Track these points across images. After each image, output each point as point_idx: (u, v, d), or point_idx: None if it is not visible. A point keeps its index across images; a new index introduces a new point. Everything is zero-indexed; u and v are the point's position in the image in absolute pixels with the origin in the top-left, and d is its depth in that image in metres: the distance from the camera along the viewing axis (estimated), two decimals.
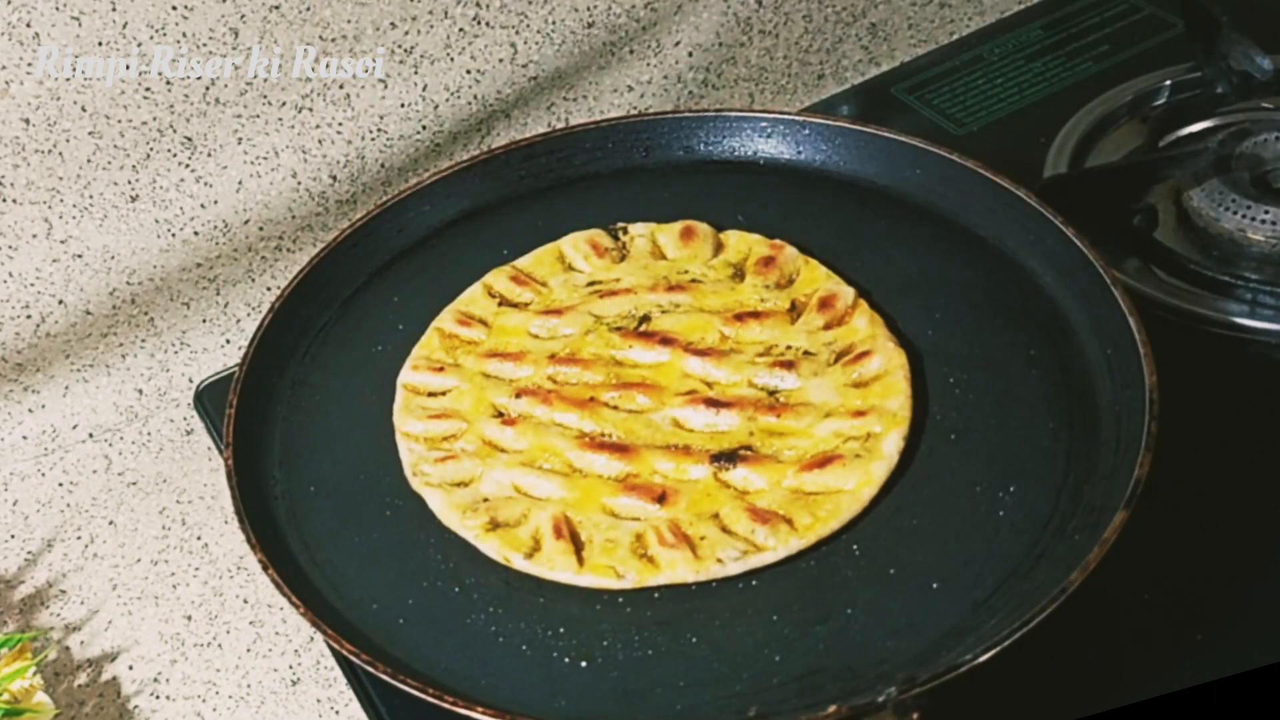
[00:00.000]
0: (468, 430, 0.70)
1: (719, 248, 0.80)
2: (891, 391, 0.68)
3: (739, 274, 0.78)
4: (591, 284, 0.78)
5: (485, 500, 0.67)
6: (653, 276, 0.77)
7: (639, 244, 0.80)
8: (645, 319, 0.75)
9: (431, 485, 0.68)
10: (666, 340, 0.73)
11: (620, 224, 0.82)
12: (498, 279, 0.79)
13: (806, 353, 0.72)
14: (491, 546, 0.64)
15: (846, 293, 0.74)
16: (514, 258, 0.81)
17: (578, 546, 0.64)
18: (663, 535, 0.63)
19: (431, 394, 0.73)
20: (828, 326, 0.73)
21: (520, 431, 0.69)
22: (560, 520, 0.65)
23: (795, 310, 0.75)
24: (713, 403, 0.69)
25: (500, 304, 0.78)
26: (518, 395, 0.71)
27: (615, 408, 0.70)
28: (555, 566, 0.63)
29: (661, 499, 0.65)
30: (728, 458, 0.66)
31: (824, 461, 0.65)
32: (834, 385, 0.70)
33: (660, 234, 0.81)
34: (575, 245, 0.81)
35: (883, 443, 0.66)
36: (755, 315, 0.74)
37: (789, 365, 0.71)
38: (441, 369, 0.74)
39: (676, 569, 0.62)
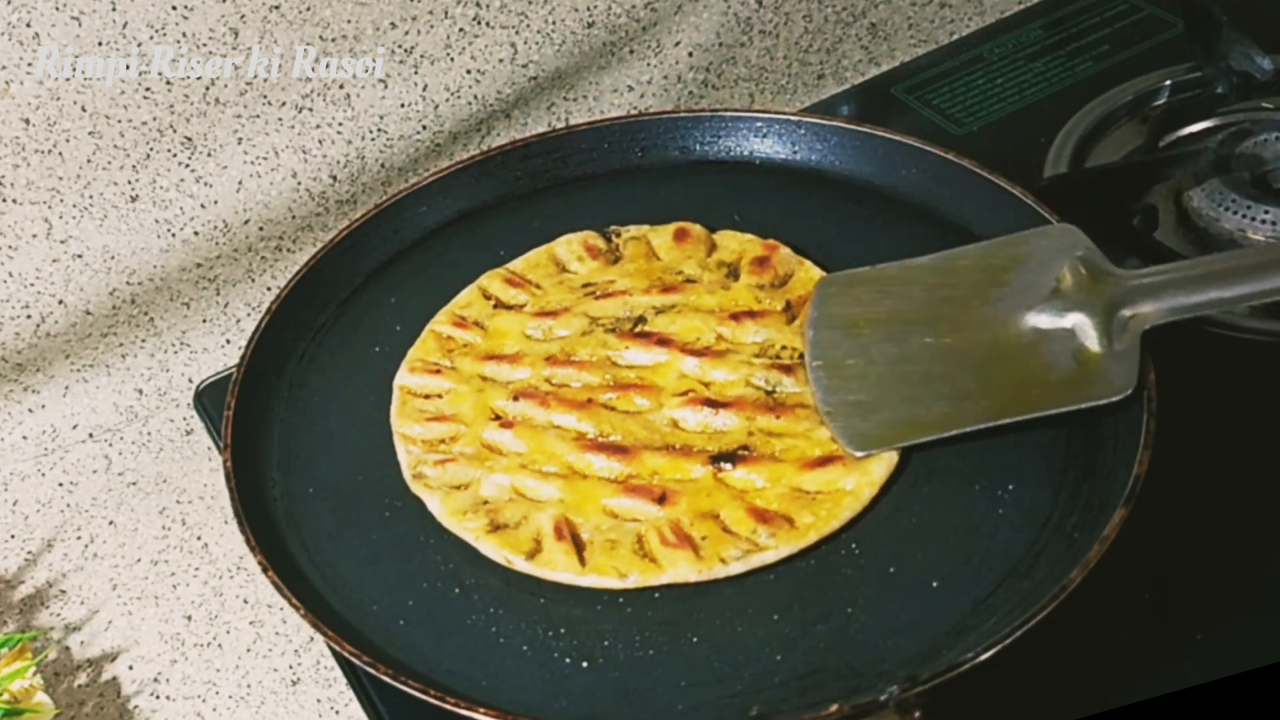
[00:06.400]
0: (466, 433, 0.70)
1: (712, 248, 0.80)
2: None
3: (733, 274, 0.77)
4: (586, 285, 0.78)
5: (485, 502, 0.67)
6: (647, 278, 0.77)
7: (632, 246, 0.80)
8: (641, 320, 0.75)
9: (431, 488, 0.68)
10: (663, 341, 0.73)
11: (613, 226, 0.82)
12: (492, 281, 0.79)
13: (803, 355, 0.72)
14: (492, 547, 0.64)
15: None
16: (510, 258, 0.81)
17: (579, 547, 0.64)
18: (664, 535, 0.63)
19: (428, 396, 0.73)
20: None
21: (519, 434, 0.69)
22: (561, 521, 0.65)
23: (790, 310, 0.75)
24: (711, 403, 0.69)
25: (495, 306, 0.78)
26: (515, 398, 0.71)
27: (613, 409, 0.70)
28: (557, 567, 0.63)
29: (662, 499, 0.65)
30: (727, 458, 0.66)
31: (823, 461, 0.65)
32: None
33: (653, 236, 0.81)
34: (569, 247, 0.81)
35: None
36: (751, 314, 0.74)
37: (787, 369, 0.71)
38: (438, 371, 0.74)
39: (679, 568, 0.62)
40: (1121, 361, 0.64)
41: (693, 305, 0.75)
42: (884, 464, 0.65)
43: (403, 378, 0.74)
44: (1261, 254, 0.65)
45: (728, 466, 0.66)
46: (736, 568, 0.62)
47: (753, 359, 0.71)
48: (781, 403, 0.69)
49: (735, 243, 0.79)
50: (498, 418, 0.71)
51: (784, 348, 0.72)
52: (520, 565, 0.63)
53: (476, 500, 0.67)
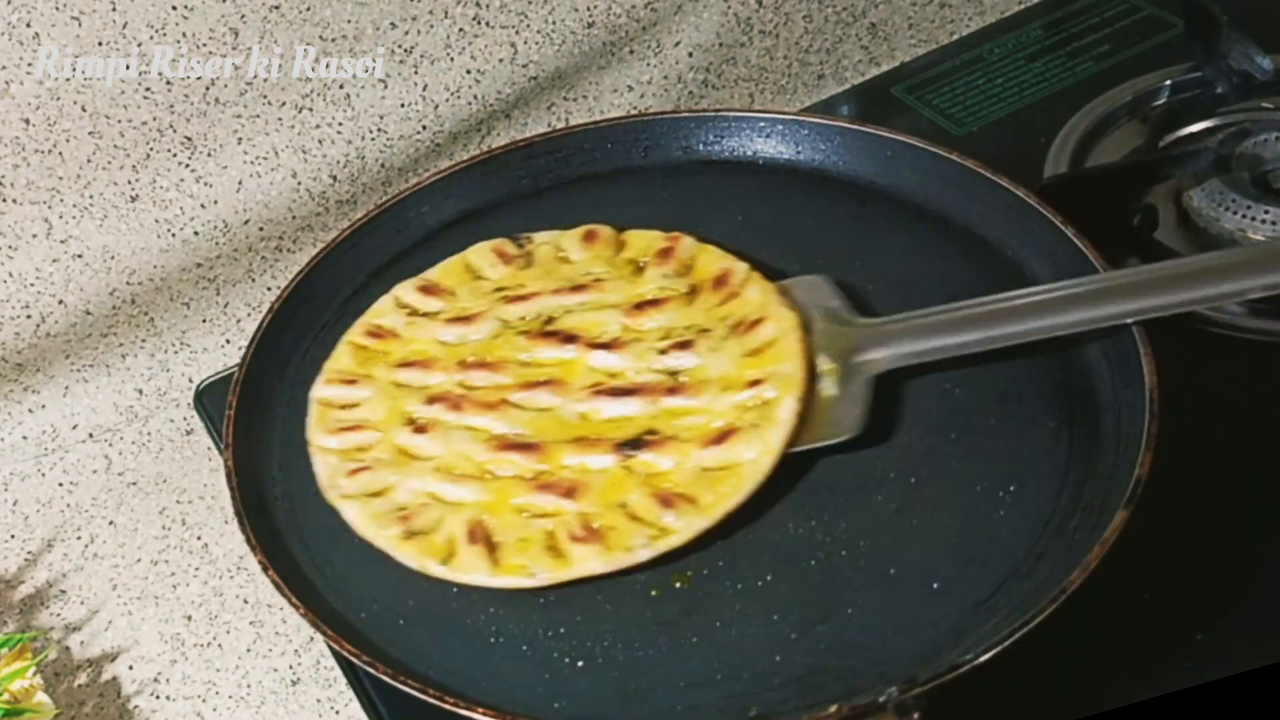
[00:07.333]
0: (381, 440, 0.70)
1: (621, 247, 0.79)
2: (784, 355, 0.68)
3: (640, 269, 0.77)
4: (498, 290, 0.77)
5: (401, 509, 0.66)
6: (557, 279, 0.77)
7: (544, 250, 0.80)
8: (550, 319, 0.74)
9: (348, 498, 0.67)
10: (570, 338, 0.72)
11: (525, 234, 0.81)
12: (406, 290, 0.78)
13: (703, 330, 0.71)
14: (408, 555, 0.64)
15: (739, 268, 0.74)
16: None
17: (492, 548, 0.63)
18: (573, 530, 0.63)
19: (345, 406, 0.73)
20: (723, 302, 0.73)
21: (433, 438, 0.69)
22: (474, 524, 0.64)
23: (693, 294, 0.74)
24: (616, 392, 0.69)
25: (410, 315, 0.77)
26: (429, 402, 0.71)
27: (524, 408, 0.69)
28: (471, 570, 0.62)
29: (570, 493, 0.64)
30: (632, 444, 0.66)
31: (722, 437, 0.65)
32: (731, 357, 0.69)
33: (564, 239, 0.80)
34: (481, 254, 0.80)
35: (777, 409, 0.66)
36: (653, 303, 0.73)
37: (685, 345, 0.70)
38: (354, 381, 0.73)
39: (587, 562, 0.62)
40: (851, 405, 0.67)
41: (599, 302, 0.75)
42: (780, 429, 0.65)
43: (318, 390, 0.73)
44: (996, 303, 0.69)
45: (633, 453, 0.65)
46: (644, 554, 0.62)
47: (657, 344, 0.71)
48: (684, 382, 0.69)
49: (643, 240, 0.79)
50: (412, 423, 0.70)
51: (686, 327, 0.72)
52: (435, 570, 0.63)
53: (393, 507, 0.66)
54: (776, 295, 0.72)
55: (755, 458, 0.64)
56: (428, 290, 0.78)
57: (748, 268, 0.75)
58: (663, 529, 0.63)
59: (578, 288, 0.76)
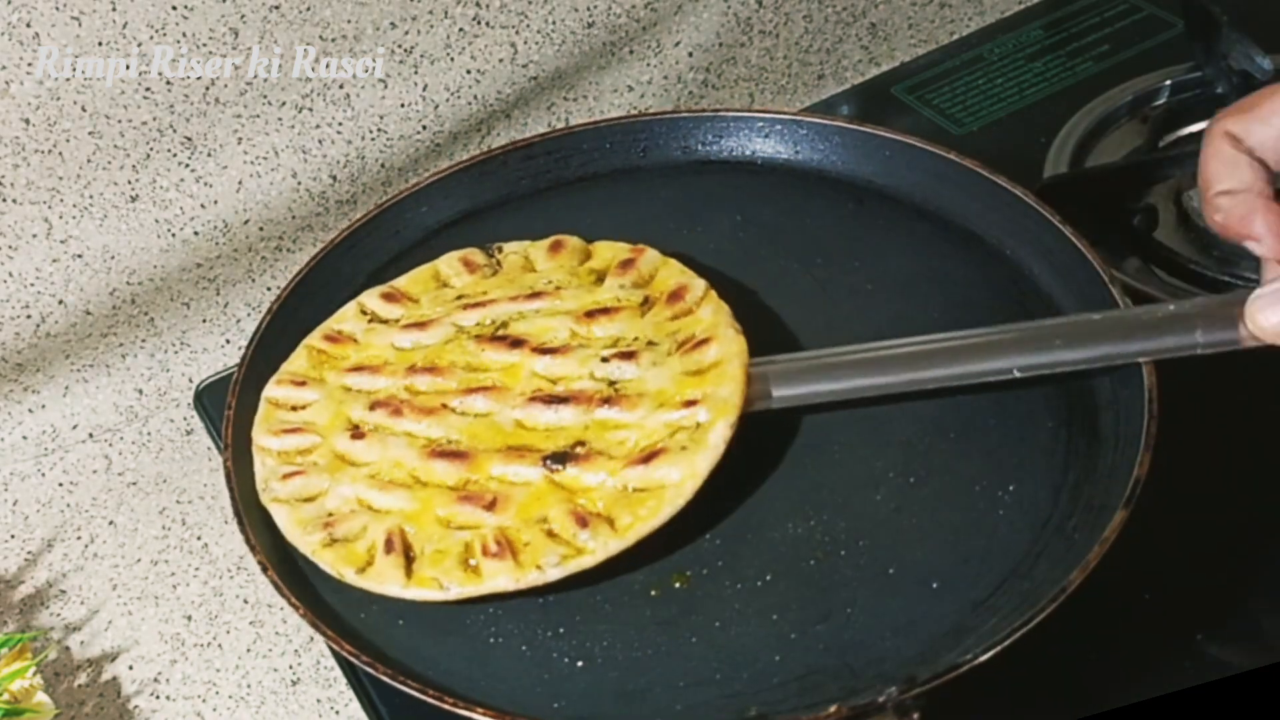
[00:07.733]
0: (321, 445, 0.69)
1: (587, 258, 0.79)
2: (725, 379, 0.66)
3: (601, 279, 0.76)
4: (460, 298, 0.76)
5: (329, 515, 0.66)
6: (517, 287, 0.76)
7: (512, 260, 0.79)
8: (504, 325, 0.74)
9: (280, 501, 0.67)
10: (517, 342, 0.71)
11: (496, 244, 0.80)
12: (370, 298, 0.78)
13: (650, 343, 0.70)
14: (326, 561, 0.63)
15: (697, 285, 0.73)
16: None
17: (410, 559, 0.63)
18: (487, 545, 0.62)
19: (293, 408, 0.72)
20: (675, 318, 0.72)
21: (370, 444, 0.68)
22: (394, 533, 0.63)
23: (648, 305, 0.73)
24: (553, 399, 0.68)
25: (370, 321, 0.77)
26: (372, 408, 0.70)
27: (462, 413, 0.69)
28: (384, 580, 0.62)
29: (492, 506, 0.63)
30: (558, 458, 0.65)
31: (649, 457, 0.64)
32: (672, 374, 0.68)
33: (532, 249, 0.80)
34: (450, 263, 0.79)
35: (709, 433, 0.64)
36: (605, 311, 0.72)
37: (629, 355, 0.69)
38: (304, 383, 0.73)
39: (497, 579, 0.61)
40: None
41: (552, 309, 0.74)
42: (709, 454, 0.64)
43: (270, 390, 0.73)
44: (859, 353, 0.68)
45: (559, 466, 0.65)
46: (554, 574, 0.61)
47: (602, 353, 0.70)
48: (620, 393, 0.68)
49: (609, 251, 0.78)
50: (354, 428, 0.70)
51: (634, 338, 0.71)
52: (351, 579, 0.63)
53: (321, 513, 0.66)
54: (728, 318, 0.70)
55: (679, 481, 0.63)
56: (391, 297, 0.77)
57: (705, 285, 0.73)
58: (578, 549, 0.61)
59: (535, 294, 0.75)
